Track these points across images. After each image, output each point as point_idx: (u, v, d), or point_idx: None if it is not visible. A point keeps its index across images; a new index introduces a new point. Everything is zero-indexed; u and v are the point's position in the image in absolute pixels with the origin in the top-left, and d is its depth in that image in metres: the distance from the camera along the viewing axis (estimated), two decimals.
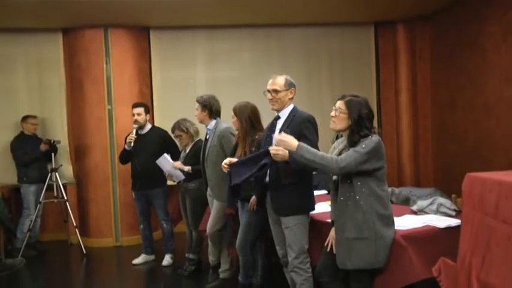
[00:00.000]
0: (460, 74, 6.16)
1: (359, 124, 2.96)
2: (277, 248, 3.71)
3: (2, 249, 6.01)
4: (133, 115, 5.37)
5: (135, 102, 5.66)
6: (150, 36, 6.75)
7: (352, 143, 2.94)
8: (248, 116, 4.09)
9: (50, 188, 6.20)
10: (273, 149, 3.12)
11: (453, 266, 2.49)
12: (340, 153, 3.05)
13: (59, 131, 6.64)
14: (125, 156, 5.49)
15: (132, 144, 5.27)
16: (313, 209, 3.55)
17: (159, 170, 5.12)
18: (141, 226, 5.57)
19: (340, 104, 3.01)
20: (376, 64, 7.13)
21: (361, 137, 2.93)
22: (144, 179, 5.34)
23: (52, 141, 6.23)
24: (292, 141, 3.00)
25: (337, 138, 3.26)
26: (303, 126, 3.37)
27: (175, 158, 5.17)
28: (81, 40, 6.45)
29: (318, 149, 3.14)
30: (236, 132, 4.31)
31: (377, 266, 2.92)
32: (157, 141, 5.41)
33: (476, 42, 5.78)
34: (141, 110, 5.39)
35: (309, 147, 3.03)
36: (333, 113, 3.02)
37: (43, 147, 6.14)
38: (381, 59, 7.12)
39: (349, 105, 2.99)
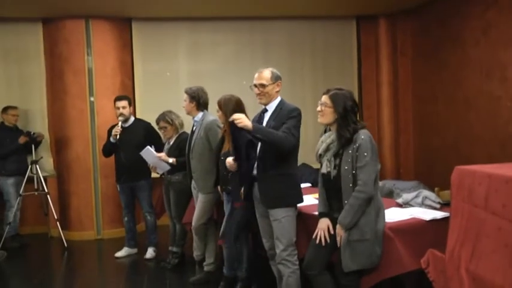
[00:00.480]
0: (441, 68, 6.24)
1: (345, 117, 3.01)
2: (264, 240, 3.71)
3: None
4: (118, 108, 5.31)
5: (118, 95, 5.59)
6: (132, 27, 6.67)
7: (344, 140, 2.98)
8: (233, 109, 4.02)
9: (31, 180, 6.11)
10: (235, 116, 3.20)
11: (441, 258, 2.53)
12: (327, 148, 3.08)
13: (39, 123, 6.54)
14: (109, 149, 5.43)
15: (118, 137, 5.21)
16: (302, 201, 3.56)
17: (144, 162, 5.07)
18: (125, 218, 5.53)
19: (325, 98, 3.06)
20: (358, 58, 7.18)
21: (351, 132, 2.96)
22: (129, 171, 5.30)
23: (32, 133, 6.13)
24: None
25: (325, 132, 3.27)
26: (289, 115, 3.38)
27: (159, 149, 5.14)
28: (62, 31, 6.33)
29: (296, 137, 3.32)
30: (222, 125, 4.30)
31: (377, 263, 2.98)
32: (142, 133, 5.37)
33: (457, 37, 5.87)
34: (125, 103, 5.34)
35: (263, 128, 3.26)
36: (318, 108, 3.08)
37: (22, 139, 6.03)
38: (363, 53, 7.18)
39: (334, 98, 3.04)
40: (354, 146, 2.97)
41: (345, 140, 2.98)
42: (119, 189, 5.49)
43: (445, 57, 6.15)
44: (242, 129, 3.23)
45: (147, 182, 5.44)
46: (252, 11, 6.49)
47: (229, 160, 3.82)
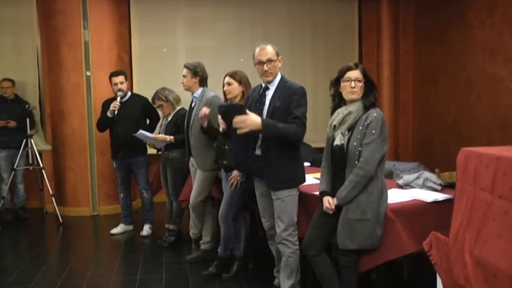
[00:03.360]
0: (444, 48, 6.16)
1: (371, 87, 3.07)
2: (263, 220, 3.65)
3: None
4: (116, 84, 5.18)
5: (114, 70, 5.44)
6: (130, 0, 6.53)
7: (369, 103, 3.00)
8: (248, 82, 4.02)
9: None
10: (238, 121, 3.08)
11: (445, 241, 2.49)
12: (343, 120, 3.03)
13: (32, 95, 6.45)
14: (105, 124, 5.33)
15: (116, 112, 5.11)
16: (305, 180, 3.50)
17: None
18: (121, 195, 5.47)
19: (356, 73, 3.02)
20: (359, 37, 7.08)
21: (373, 101, 3.01)
22: (126, 147, 5.21)
23: (27, 106, 6.03)
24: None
25: (333, 109, 3.20)
26: (295, 98, 3.26)
27: (155, 124, 5.12)
28: (58, 2, 6.18)
29: (303, 119, 3.21)
30: (222, 101, 4.24)
31: (377, 244, 2.95)
32: (139, 108, 5.30)
33: (461, 17, 5.78)
34: (122, 78, 5.23)
35: (272, 126, 3.13)
36: (352, 84, 3.00)
37: (12, 124, 5.98)
38: (364, 32, 7.10)
39: (365, 71, 3.07)
40: (365, 123, 2.94)
41: (369, 104, 3.00)
42: (114, 165, 5.41)
43: (448, 37, 6.06)
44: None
45: (144, 158, 5.37)
46: None
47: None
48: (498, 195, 2.19)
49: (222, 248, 4.24)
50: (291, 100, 3.24)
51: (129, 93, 5.37)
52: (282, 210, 3.37)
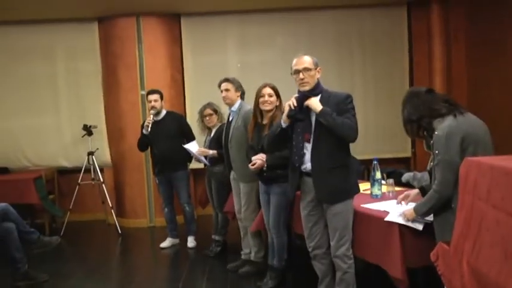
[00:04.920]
0: (498, 55, 5.95)
1: None
2: (308, 241, 3.57)
3: (47, 227, 6.42)
4: (150, 101, 5.42)
5: (150, 89, 5.70)
6: (181, 22, 6.86)
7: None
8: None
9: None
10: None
11: (448, 251, 2.48)
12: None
13: (96, 116, 6.91)
14: (143, 142, 5.56)
15: (149, 128, 5.34)
16: (359, 190, 3.47)
17: (180, 153, 5.26)
18: (166, 210, 5.65)
19: None
20: (409, 46, 6.98)
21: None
22: (165, 163, 5.42)
23: (88, 126, 6.51)
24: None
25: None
26: (346, 103, 3.26)
27: (189, 142, 5.33)
28: (115, 28, 6.66)
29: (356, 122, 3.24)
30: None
31: None
32: (175, 125, 5.50)
33: None
34: (157, 96, 5.46)
35: (331, 112, 3.17)
36: None
37: None
38: (414, 41, 6.97)
39: None
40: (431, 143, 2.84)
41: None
42: (157, 181, 5.65)
43: (502, 43, 5.84)
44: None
45: (185, 172, 5.57)
46: (298, 1, 6.51)
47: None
48: (492, 204, 2.17)
49: (277, 259, 4.22)
50: (340, 108, 3.24)
51: (164, 112, 5.56)
52: (336, 225, 3.33)
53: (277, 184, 4.04)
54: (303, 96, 3.32)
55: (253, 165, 4.04)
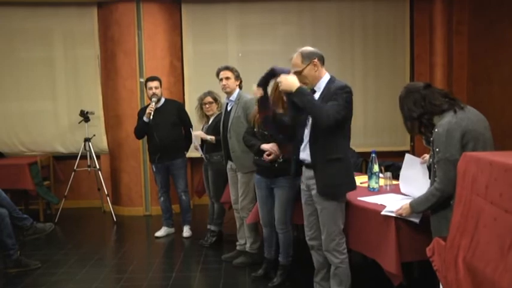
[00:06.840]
0: (499, 49, 5.90)
1: None
2: (306, 229, 3.53)
3: (41, 213, 6.40)
4: (151, 88, 5.36)
5: (149, 76, 5.65)
6: (182, 9, 6.80)
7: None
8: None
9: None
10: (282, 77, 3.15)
11: (444, 246, 2.45)
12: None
13: (94, 102, 6.86)
14: (142, 130, 5.49)
15: (152, 116, 5.29)
16: (355, 187, 3.39)
17: (179, 141, 5.22)
18: (162, 198, 5.61)
19: None
20: (410, 38, 6.92)
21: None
22: (164, 151, 5.37)
23: (85, 112, 6.46)
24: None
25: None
26: (338, 92, 3.14)
27: (187, 130, 5.30)
28: (115, 14, 6.57)
29: (342, 115, 3.09)
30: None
31: None
32: (175, 113, 5.47)
33: None
34: (157, 83, 5.40)
35: (307, 93, 3.10)
36: None
37: None
38: (416, 33, 6.91)
39: None
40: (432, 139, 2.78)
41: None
42: (154, 169, 5.59)
43: (504, 37, 5.79)
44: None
45: (182, 160, 5.52)
46: None
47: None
48: (490, 201, 2.13)
49: (284, 256, 4.14)
50: (334, 93, 3.15)
51: (163, 99, 5.52)
52: (326, 220, 3.29)
53: (283, 177, 3.91)
54: (271, 74, 3.34)
55: (268, 155, 3.91)
